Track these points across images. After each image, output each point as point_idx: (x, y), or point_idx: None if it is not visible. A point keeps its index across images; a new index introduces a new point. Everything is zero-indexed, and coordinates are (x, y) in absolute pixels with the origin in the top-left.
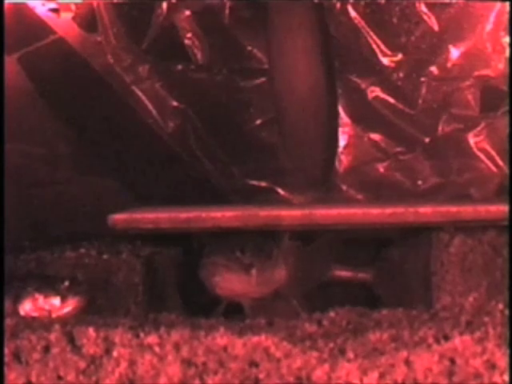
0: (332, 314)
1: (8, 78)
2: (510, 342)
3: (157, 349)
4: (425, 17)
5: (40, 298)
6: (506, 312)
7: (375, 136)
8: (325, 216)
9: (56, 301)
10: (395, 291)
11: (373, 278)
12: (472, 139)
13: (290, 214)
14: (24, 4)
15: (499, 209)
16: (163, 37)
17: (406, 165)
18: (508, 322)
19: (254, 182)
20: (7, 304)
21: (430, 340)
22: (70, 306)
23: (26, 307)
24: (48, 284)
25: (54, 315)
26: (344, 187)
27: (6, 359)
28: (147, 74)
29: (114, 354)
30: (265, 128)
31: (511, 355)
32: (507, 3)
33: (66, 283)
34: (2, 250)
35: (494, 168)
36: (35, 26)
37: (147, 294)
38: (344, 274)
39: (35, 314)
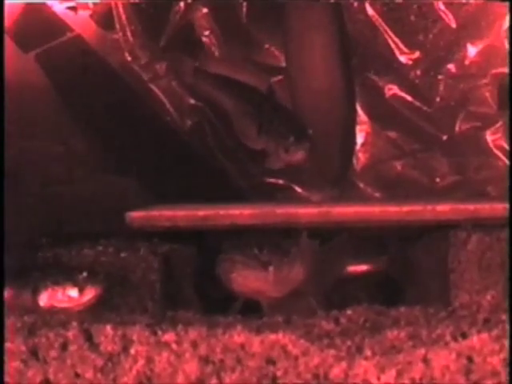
0: (349, 311)
1: (25, 76)
2: (510, 341)
3: (174, 346)
4: (442, 15)
5: (59, 291)
6: None
7: (393, 134)
8: (342, 214)
9: (74, 292)
10: (412, 286)
11: (388, 268)
12: (489, 137)
13: (308, 212)
14: (42, 2)
15: None
16: (180, 34)
17: (423, 162)
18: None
19: (272, 180)
20: (27, 296)
21: (448, 338)
22: (88, 296)
23: (45, 299)
24: (66, 276)
25: (72, 306)
26: (361, 185)
27: (24, 356)
28: (164, 72)
29: (132, 351)
30: None
31: (511, 355)
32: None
33: (84, 274)
34: (2, 250)
35: None
36: (53, 24)
37: (164, 291)
38: (359, 268)
39: (56, 304)
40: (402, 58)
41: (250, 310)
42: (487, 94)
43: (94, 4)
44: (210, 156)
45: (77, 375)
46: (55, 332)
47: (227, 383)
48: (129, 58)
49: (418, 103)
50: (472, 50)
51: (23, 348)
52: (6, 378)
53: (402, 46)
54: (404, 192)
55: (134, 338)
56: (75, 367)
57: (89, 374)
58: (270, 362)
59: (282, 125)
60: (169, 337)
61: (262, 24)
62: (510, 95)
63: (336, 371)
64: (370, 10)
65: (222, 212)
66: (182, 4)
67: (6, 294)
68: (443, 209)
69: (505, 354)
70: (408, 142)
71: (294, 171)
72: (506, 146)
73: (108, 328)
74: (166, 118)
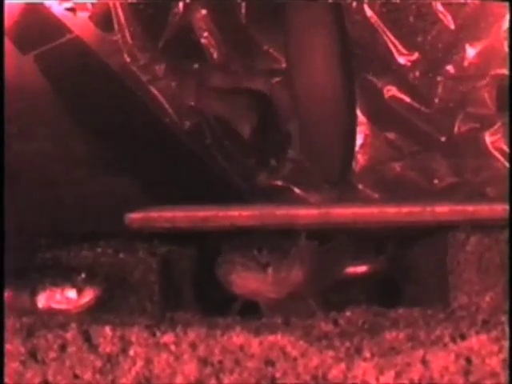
0: (348, 313)
1: (24, 77)
2: (509, 343)
3: (173, 348)
4: (441, 16)
5: (57, 292)
6: None
7: (391, 135)
8: (341, 215)
9: (72, 294)
10: (411, 287)
11: (387, 269)
12: (488, 138)
13: (307, 213)
14: (40, 3)
15: None
16: (179, 36)
17: (422, 164)
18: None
19: (271, 181)
20: (25, 297)
21: (447, 339)
22: (87, 297)
23: (44, 300)
24: (64, 277)
25: (71, 307)
26: (360, 186)
27: (23, 358)
28: (163, 73)
29: (131, 352)
30: None
31: (510, 356)
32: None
33: (83, 275)
34: (1, 250)
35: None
36: (51, 25)
37: (163, 292)
38: (358, 269)
39: (54, 306)
40: (401, 59)
41: (249, 312)
42: (486, 96)
43: (93, 5)
44: (209, 157)
45: (76, 376)
46: (54, 333)
47: None
48: (128, 60)
49: (416, 104)
50: (471, 51)
51: (22, 349)
52: (5, 380)
53: (400, 47)
54: (403, 193)
55: (133, 339)
56: (74, 368)
57: (88, 375)
58: (269, 363)
59: (266, 143)
60: (168, 338)
61: (261, 25)
62: (509, 96)
63: (335, 372)
64: (368, 11)
65: (221, 213)
66: (180, 5)
67: (5, 295)
68: (442, 210)
69: (504, 356)
70: (407, 143)
71: (293, 172)
72: (505, 148)
73: (107, 329)
74: (164, 119)
